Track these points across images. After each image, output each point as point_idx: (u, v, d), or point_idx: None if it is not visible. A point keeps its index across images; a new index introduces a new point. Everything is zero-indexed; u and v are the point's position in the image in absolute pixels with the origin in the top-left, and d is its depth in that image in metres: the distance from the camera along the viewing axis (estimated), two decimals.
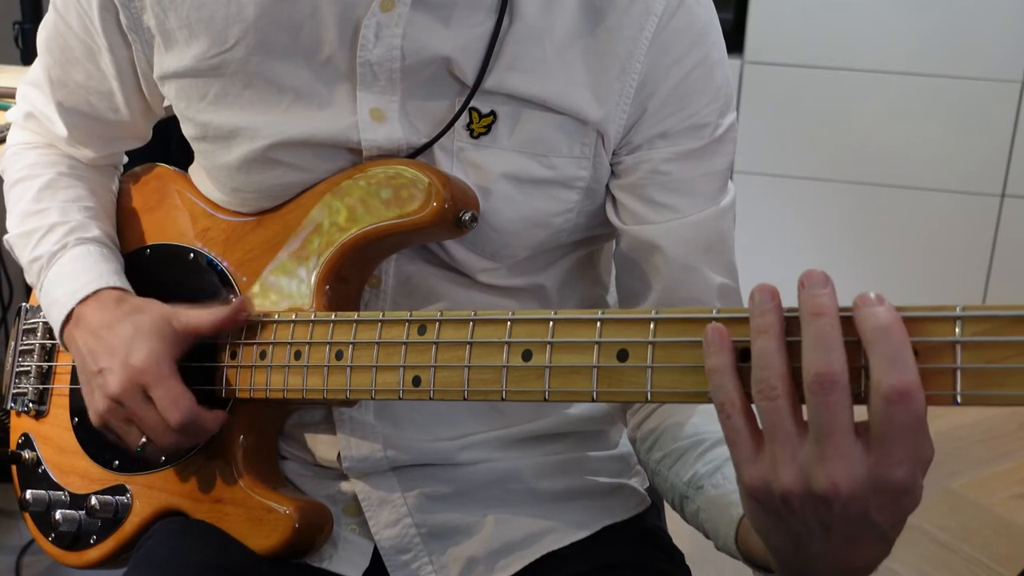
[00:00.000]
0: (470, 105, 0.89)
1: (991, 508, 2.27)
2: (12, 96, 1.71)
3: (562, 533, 0.97)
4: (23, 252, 1.03)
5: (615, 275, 1.00)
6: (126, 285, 0.98)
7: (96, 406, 0.92)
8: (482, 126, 0.89)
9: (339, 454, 0.96)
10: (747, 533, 0.77)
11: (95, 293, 0.95)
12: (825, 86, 2.89)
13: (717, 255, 0.93)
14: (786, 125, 2.95)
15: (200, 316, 0.90)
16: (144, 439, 0.91)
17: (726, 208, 0.94)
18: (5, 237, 1.06)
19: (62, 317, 0.96)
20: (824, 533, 0.61)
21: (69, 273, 0.98)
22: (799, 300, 0.60)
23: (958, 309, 0.58)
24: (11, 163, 1.09)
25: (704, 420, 0.90)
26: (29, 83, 1.08)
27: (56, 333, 0.98)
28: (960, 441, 2.47)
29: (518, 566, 0.96)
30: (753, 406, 0.62)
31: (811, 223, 3.01)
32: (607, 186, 0.94)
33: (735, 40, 2.88)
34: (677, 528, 1.11)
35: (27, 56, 2.07)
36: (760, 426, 0.62)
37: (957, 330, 0.58)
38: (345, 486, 0.97)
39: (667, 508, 1.18)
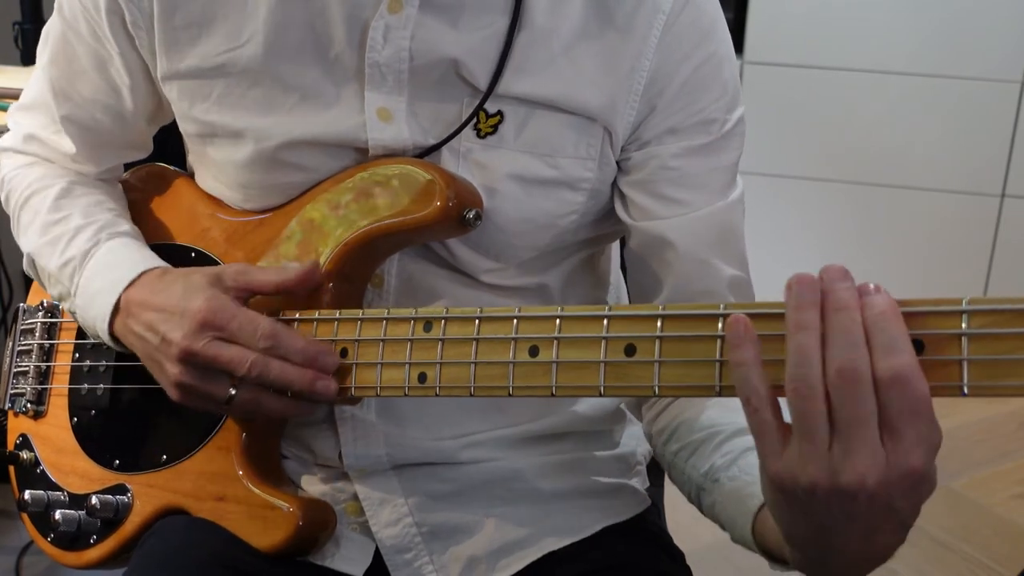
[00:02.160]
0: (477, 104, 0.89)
1: (991, 508, 2.27)
2: (12, 96, 1.71)
3: (563, 533, 0.97)
4: (50, 260, 0.98)
5: (626, 273, 1.00)
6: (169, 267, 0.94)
7: (169, 377, 0.87)
8: (489, 126, 0.90)
9: (340, 453, 0.96)
10: (763, 525, 0.77)
11: (139, 277, 0.91)
12: (825, 86, 2.89)
13: (728, 248, 0.93)
14: (786, 125, 2.95)
15: (264, 275, 0.86)
16: (232, 388, 0.85)
17: (735, 201, 0.94)
18: (27, 250, 1.01)
19: (109, 308, 0.91)
20: (848, 523, 0.62)
21: (107, 264, 0.94)
22: (823, 286, 0.60)
23: (964, 303, 0.59)
24: (14, 185, 1.05)
25: (719, 412, 0.90)
26: (19, 108, 1.06)
27: (102, 331, 0.93)
28: (960, 441, 2.47)
29: (519, 566, 0.95)
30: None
31: (811, 223, 3.01)
32: (616, 183, 0.94)
33: (735, 40, 2.87)
34: (677, 528, 1.11)
35: (27, 56, 2.07)
36: (787, 418, 0.62)
37: (963, 323, 0.58)
38: (346, 485, 0.97)
39: (666, 509, 1.18)
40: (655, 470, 1.13)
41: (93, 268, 0.95)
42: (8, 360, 1.14)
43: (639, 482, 1.07)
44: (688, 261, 0.92)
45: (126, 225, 1.00)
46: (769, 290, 0.75)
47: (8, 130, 1.09)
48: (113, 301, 0.91)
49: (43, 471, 1.06)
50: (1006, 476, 2.40)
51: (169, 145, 1.09)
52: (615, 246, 1.09)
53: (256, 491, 0.91)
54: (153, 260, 0.94)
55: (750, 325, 0.62)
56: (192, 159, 1.03)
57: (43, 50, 1.01)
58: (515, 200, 0.90)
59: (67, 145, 1.02)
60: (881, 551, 0.65)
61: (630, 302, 1.02)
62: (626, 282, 1.06)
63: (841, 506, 0.61)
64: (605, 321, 0.71)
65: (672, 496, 1.12)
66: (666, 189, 0.91)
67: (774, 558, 0.77)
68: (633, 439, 1.09)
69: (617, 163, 0.93)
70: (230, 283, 0.87)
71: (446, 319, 0.79)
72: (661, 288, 0.93)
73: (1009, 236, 2.90)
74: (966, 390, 0.58)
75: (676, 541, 1.05)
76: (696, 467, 0.89)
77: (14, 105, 1.08)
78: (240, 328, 0.84)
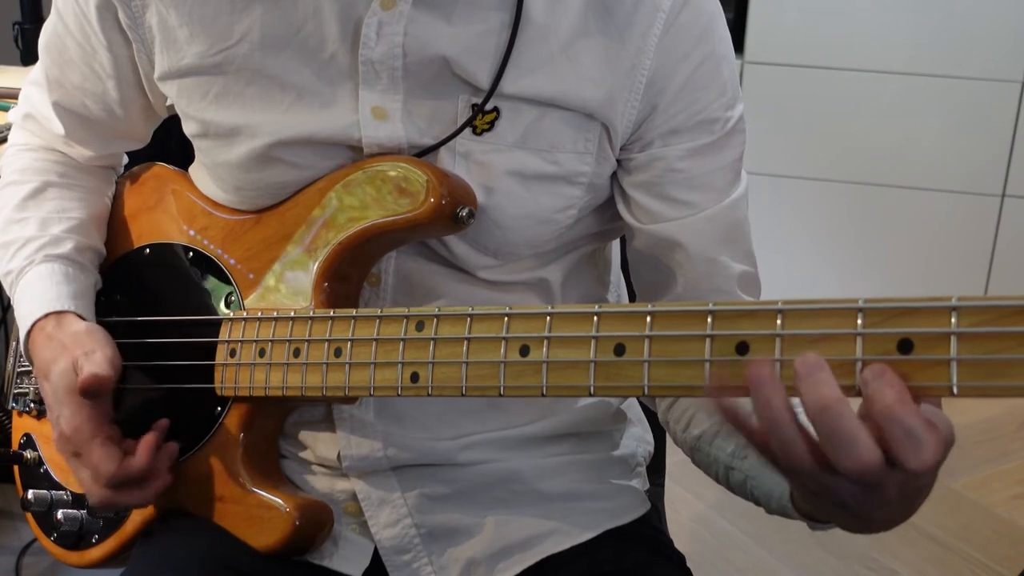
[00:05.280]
0: (472, 102, 0.89)
1: (991, 508, 2.27)
2: (12, 96, 1.72)
3: (563, 536, 0.97)
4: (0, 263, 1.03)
5: (630, 273, 1.00)
6: (79, 308, 0.97)
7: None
8: (485, 123, 0.89)
9: (339, 453, 0.96)
10: None
11: (39, 321, 0.95)
12: (825, 86, 2.89)
13: (736, 244, 0.94)
14: (786, 125, 2.95)
15: (93, 366, 0.91)
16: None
17: (740, 197, 0.94)
18: None
19: (23, 345, 0.98)
20: (882, 504, 0.65)
21: (30, 294, 0.98)
22: (800, 392, 0.62)
23: (954, 300, 0.58)
24: (8, 163, 1.09)
25: None
26: (31, 82, 1.08)
27: (25, 354, 0.99)
28: (960, 441, 2.46)
29: (518, 568, 0.95)
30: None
31: (811, 223, 3.01)
32: (620, 185, 0.94)
33: (735, 40, 2.86)
34: (677, 530, 1.11)
35: (27, 56, 2.07)
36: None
37: (953, 321, 0.58)
38: (345, 485, 0.97)
39: (666, 510, 1.19)
40: (655, 471, 1.14)
41: (22, 290, 0.99)
42: (11, 360, 1.14)
43: (639, 483, 1.07)
44: (698, 261, 0.92)
45: (68, 244, 1.01)
46: (770, 291, 0.75)
47: (8, 131, 1.12)
48: (24, 336, 0.97)
49: (46, 470, 1.06)
50: (1006, 476, 2.40)
51: (169, 144, 1.09)
52: (615, 246, 1.09)
53: (253, 491, 0.92)
54: (61, 301, 0.96)
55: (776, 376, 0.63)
56: (196, 162, 1.03)
57: (41, 36, 1.03)
58: (514, 197, 0.90)
59: (58, 128, 1.04)
60: (916, 506, 0.68)
61: (639, 300, 1.02)
62: (629, 281, 1.06)
63: (872, 495, 0.64)
64: (595, 319, 0.71)
65: (672, 497, 1.12)
66: (673, 191, 0.92)
67: (817, 520, 0.79)
68: (633, 440, 1.09)
69: (619, 162, 0.93)
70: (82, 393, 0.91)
71: (438, 318, 0.79)
72: (672, 287, 0.94)
73: (1009, 236, 2.90)
74: (955, 390, 0.58)
75: (676, 542, 1.05)
76: (722, 448, 0.90)
77: (28, 77, 1.10)
78: (89, 463, 0.91)
